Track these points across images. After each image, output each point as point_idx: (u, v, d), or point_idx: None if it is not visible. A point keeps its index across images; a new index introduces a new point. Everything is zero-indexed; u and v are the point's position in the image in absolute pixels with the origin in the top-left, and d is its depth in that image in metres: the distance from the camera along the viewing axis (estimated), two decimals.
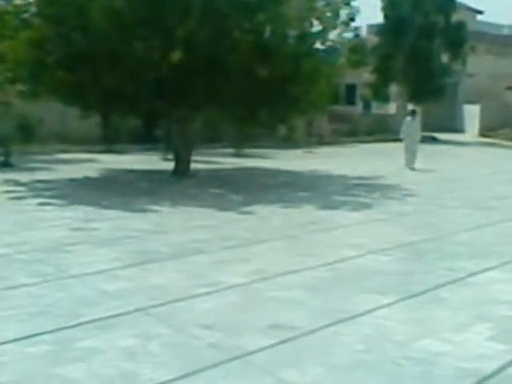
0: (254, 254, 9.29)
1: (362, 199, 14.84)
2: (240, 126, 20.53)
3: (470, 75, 47.03)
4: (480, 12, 53.36)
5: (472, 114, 48.43)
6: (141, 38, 16.11)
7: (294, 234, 10.68)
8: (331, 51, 19.02)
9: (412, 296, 7.46)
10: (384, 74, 40.14)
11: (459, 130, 49.46)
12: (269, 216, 12.40)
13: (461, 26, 41.83)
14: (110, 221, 11.53)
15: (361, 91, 44.02)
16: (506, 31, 61.07)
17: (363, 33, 46.55)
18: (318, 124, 34.43)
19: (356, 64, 28.89)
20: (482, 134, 45.92)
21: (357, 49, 27.96)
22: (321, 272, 8.40)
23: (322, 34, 19.00)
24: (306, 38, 18.39)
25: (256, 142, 27.55)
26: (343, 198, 14.87)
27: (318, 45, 18.95)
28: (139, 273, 8.18)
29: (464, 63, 41.19)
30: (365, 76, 40.79)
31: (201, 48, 16.34)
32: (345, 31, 19.74)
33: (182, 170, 18.65)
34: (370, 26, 47.01)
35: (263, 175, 19.71)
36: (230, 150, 25.48)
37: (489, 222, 12.25)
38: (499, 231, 11.54)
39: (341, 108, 40.66)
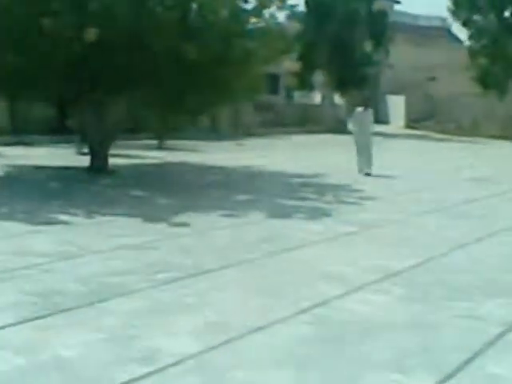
0: (200, 293, 6.46)
1: (315, 204, 12.20)
2: (165, 113, 17.48)
3: (391, 66, 45.13)
4: (397, 2, 51.39)
5: (396, 105, 46.58)
6: (50, 12, 13.16)
7: (246, 259, 7.88)
8: (265, 32, 16.22)
9: (449, 376, 4.81)
10: (308, 63, 37.71)
11: (383, 121, 47.51)
12: (209, 229, 9.57)
13: (382, 14, 39.96)
14: (2, 240, 8.52)
15: (284, 80, 41.46)
16: (422, 22, 59.64)
17: (281, 19, 43.94)
18: (244, 114, 31.66)
19: (282, 51, 26.22)
20: (408, 125, 44.12)
21: (281, 35, 25.41)
22: (298, 327, 5.64)
23: (256, 12, 16.21)
24: (238, 15, 15.61)
25: (180, 131, 24.56)
26: (292, 203, 12.19)
27: (251, 24, 16.17)
28: (34, 336, 5.27)
29: (387, 53, 39.31)
30: (287, 64, 38.10)
31: (119, 25, 13.51)
32: (280, 9, 16.97)
33: (98, 166, 15.66)
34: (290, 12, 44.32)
35: (193, 172, 16.86)
36: (153, 142, 22.40)
37: (477, 236, 9.72)
38: (496, 249, 9.02)
39: (265, 97, 38.04)
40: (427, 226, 10.41)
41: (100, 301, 6.10)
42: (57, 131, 22.57)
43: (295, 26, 35.68)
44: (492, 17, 35.45)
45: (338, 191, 13.86)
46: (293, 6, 27.57)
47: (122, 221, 9.96)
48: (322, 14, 36.18)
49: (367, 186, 14.72)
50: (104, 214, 10.35)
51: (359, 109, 18.18)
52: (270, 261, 7.85)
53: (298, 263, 7.79)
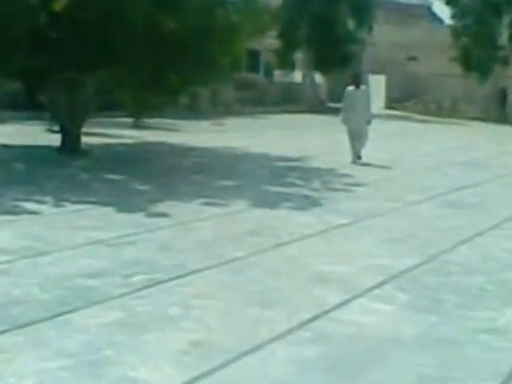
0: (183, 302, 5.57)
1: (302, 191, 11.33)
2: (142, 92, 16.36)
3: (373, 44, 44.16)
4: None
5: (377, 84, 45.68)
6: None
7: (234, 257, 6.99)
8: (250, 3, 15.23)
9: None
10: (289, 40, 36.64)
11: None
12: (191, 221, 8.65)
13: None
14: None
15: (264, 58, 40.37)
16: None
17: None
18: (224, 92, 30.56)
19: (267, 25, 25.19)
20: (389, 106, 43.32)
21: (266, 7, 24.39)
22: (297, 347, 4.79)
23: None
24: None
25: (157, 111, 23.47)
26: (278, 189, 11.32)
27: None
28: None
29: (370, 30, 38.28)
30: (267, 42, 36.96)
31: None
32: None
33: (70, 146, 14.66)
34: None
35: (171, 153, 15.91)
36: (129, 120, 21.30)
37: (482, 227, 8.92)
38: (505, 243, 8.22)
39: (244, 75, 36.95)
40: (425, 216, 9.61)
41: (66, 312, 5.20)
42: (25, 107, 21.26)
43: (275, 1, 34.59)
44: None
45: (326, 176, 13.02)
46: None
47: (94, 210, 9.02)
48: None
49: (355, 170, 13.90)
50: (74, 202, 9.40)
51: (350, 87, 15.54)
52: (259, 259, 6.98)
53: (290, 262, 6.93)
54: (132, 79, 14.68)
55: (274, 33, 33.96)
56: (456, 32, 35.18)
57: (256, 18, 15.05)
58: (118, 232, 7.76)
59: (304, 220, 8.98)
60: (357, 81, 15.69)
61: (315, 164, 14.73)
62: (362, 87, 15.57)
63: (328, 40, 36.36)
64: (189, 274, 6.32)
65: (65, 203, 9.33)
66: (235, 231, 8.16)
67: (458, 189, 12.09)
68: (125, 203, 9.50)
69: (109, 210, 9.04)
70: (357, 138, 15.14)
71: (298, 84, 40.47)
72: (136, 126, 20.89)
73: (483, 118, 34.94)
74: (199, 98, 27.25)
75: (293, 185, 11.87)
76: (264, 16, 15.90)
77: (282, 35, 35.30)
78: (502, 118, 34.83)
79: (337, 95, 43.22)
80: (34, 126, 19.45)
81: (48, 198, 9.56)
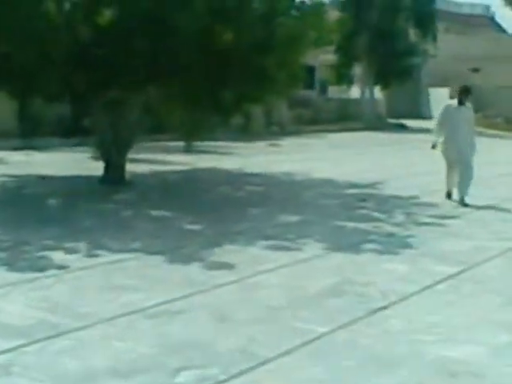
0: None
1: (384, 227, 9.50)
2: (194, 111, 14.67)
3: (433, 56, 42.09)
4: None
5: (440, 98, 43.55)
6: None
7: (315, 333, 5.19)
8: (316, 8, 13.46)
9: None
10: (347, 55, 34.90)
11: (425, 116, 44.59)
12: (253, 273, 6.88)
13: (429, 0, 36.90)
14: None
15: (319, 73, 38.64)
16: (465, 10, 56.39)
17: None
18: (278, 111, 28.88)
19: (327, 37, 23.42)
20: None
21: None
22: None
23: None
24: None
25: (209, 132, 21.87)
26: (354, 225, 9.51)
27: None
28: None
29: (435, 42, 36.22)
30: (322, 57, 35.20)
31: (138, 3, 10.99)
32: None
33: (113, 176, 13.08)
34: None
35: (225, 182, 14.20)
36: (179, 144, 19.66)
37: None
38: None
39: (299, 92, 35.23)
40: None
41: None
42: (71, 133, 19.90)
43: (334, 15, 32.89)
44: None
45: (407, 206, 11.18)
46: None
47: (135, 261, 7.35)
48: (363, 1, 33.24)
49: (439, 197, 11.99)
50: (112, 250, 7.73)
51: (451, 103, 12.04)
52: (351, 336, 5.18)
53: (395, 342, 5.10)
54: (184, 97, 13.09)
55: (329, 47, 32.32)
56: None
57: (321, 25, 13.35)
58: (164, 295, 6.05)
59: (396, 269, 7.18)
60: (464, 96, 11.75)
61: (390, 191, 12.90)
62: (468, 105, 11.79)
63: (388, 53, 34.55)
64: (257, 366, 4.57)
65: (100, 251, 7.67)
66: (312, 289, 6.39)
67: None
68: (173, 250, 7.82)
69: (153, 260, 7.36)
70: (457, 170, 11.66)
71: (355, 100, 38.59)
72: (187, 150, 19.29)
73: None
74: (251, 118, 25.67)
75: (371, 219, 10.06)
76: (328, 24, 14.22)
77: (339, 49, 33.59)
78: None
79: (396, 111, 41.44)
80: (79, 153, 17.94)
81: (81, 245, 7.93)
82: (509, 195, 12.39)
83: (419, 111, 45.02)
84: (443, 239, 8.73)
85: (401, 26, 35.73)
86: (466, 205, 11.18)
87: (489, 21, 57.22)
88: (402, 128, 35.87)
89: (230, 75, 11.86)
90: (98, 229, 8.94)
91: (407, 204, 11.46)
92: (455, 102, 11.80)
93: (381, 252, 7.93)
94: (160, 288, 6.31)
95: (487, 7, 55.92)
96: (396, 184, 13.74)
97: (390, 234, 8.97)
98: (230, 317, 5.56)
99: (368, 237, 8.74)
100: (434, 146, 11.87)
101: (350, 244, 8.29)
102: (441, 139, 11.78)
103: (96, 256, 7.51)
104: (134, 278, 6.66)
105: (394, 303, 6.00)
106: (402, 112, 41.52)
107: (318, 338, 5.12)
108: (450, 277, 6.89)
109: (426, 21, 35.88)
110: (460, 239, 8.71)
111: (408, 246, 8.28)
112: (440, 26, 39.73)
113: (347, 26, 33.61)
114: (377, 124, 35.24)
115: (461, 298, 6.19)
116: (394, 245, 8.28)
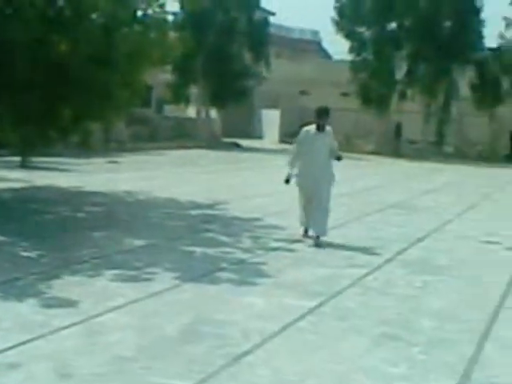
0: None
1: (234, 252, 8.77)
2: (27, 127, 13.31)
3: (266, 79, 42.36)
4: (272, 14, 48.48)
5: (271, 119, 43.90)
6: None
7: None
8: (159, 23, 12.60)
9: None
10: (185, 74, 34.15)
11: (257, 136, 44.79)
12: (100, 312, 5.90)
13: (263, 24, 37.13)
14: None
15: (157, 92, 37.65)
16: (296, 34, 57.28)
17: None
18: (117, 127, 27.63)
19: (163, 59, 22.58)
20: (283, 140, 41.48)
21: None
22: None
23: None
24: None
25: (45, 148, 20.36)
26: (204, 251, 8.72)
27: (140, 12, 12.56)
28: None
29: (268, 65, 36.34)
30: (160, 76, 34.28)
31: None
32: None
33: None
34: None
35: (64, 201, 12.92)
36: (16, 159, 18.05)
37: None
38: None
39: (136, 110, 34.07)
40: (400, 283, 7.27)
41: None
42: None
43: (171, 35, 32.08)
44: (376, 29, 33.20)
45: (253, 230, 10.54)
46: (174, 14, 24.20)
47: None
48: (200, 23, 32.66)
49: (283, 218, 11.48)
50: None
51: (309, 129, 9.83)
52: None
53: None
54: (14, 112, 11.77)
55: (167, 67, 31.45)
56: (355, 66, 33.77)
57: (164, 42, 12.53)
58: None
59: (253, 303, 6.45)
60: (323, 119, 9.67)
61: (233, 212, 12.24)
62: (328, 129, 9.78)
63: (224, 74, 34.28)
64: None
65: None
66: (166, 332, 5.52)
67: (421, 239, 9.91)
68: (4, 284, 6.69)
69: None
70: (311, 203, 9.74)
71: (192, 119, 38.03)
72: (23, 166, 17.78)
73: (378, 153, 33.67)
74: (91, 134, 24.32)
75: (218, 243, 9.31)
76: (171, 41, 13.43)
77: (176, 69, 32.78)
78: (396, 153, 33.69)
79: (231, 130, 41.21)
80: None
81: None
82: (350, 217, 12.05)
83: (252, 131, 45.21)
84: (296, 266, 8.14)
85: (236, 49, 35.58)
86: (319, 245, 9.35)
87: (317, 46, 58.47)
88: (237, 147, 35.69)
89: (69, 91, 10.78)
90: None
91: (252, 227, 10.83)
92: (313, 127, 9.77)
93: (234, 282, 7.18)
94: None
95: (315, 33, 57.03)
96: (238, 205, 13.13)
97: (241, 261, 8.26)
98: (74, 371, 4.60)
99: (219, 264, 7.99)
100: (288, 180, 9.92)
101: (202, 273, 7.49)
102: (295, 171, 9.87)
103: None
104: None
105: (257, 346, 5.26)
106: (236, 132, 41.44)
107: None
108: (310, 311, 6.24)
109: (259, 45, 35.97)
110: (313, 266, 8.14)
111: (261, 274, 7.60)
112: (272, 50, 39.98)
113: (187, 46, 32.92)
114: (213, 143, 34.86)
115: (326, 340, 5.52)
116: (246, 274, 7.57)
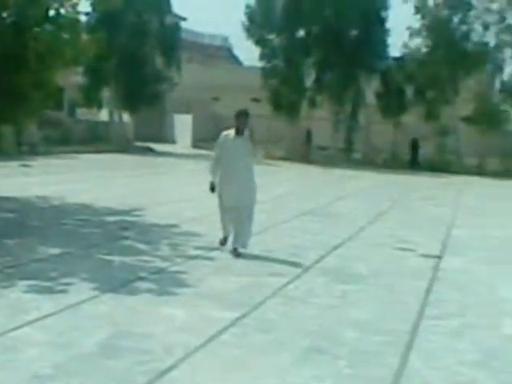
0: None
1: (153, 261, 8.46)
2: None
3: (177, 84, 42.03)
4: (184, 19, 47.98)
5: (184, 124, 43.52)
6: None
7: None
8: (72, 23, 12.14)
9: None
10: (96, 77, 33.36)
11: (169, 140, 44.30)
12: (13, 327, 5.56)
13: (175, 29, 36.78)
14: None
15: (68, 94, 36.65)
16: (206, 40, 56.94)
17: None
18: (28, 130, 26.71)
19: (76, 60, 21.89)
20: (195, 145, 41.23)
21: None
22: None
23: None
24: None
25: None
26: (122, 259, 8.39)
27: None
28: None
29: (179, 70, 35.99)
30: (71, 78, 33.37)
31: None
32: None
33: None
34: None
35: None
36: None
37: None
38: None
39: (48, 113, 33.04)
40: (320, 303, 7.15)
41: None
42: None
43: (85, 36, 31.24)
44: (286, 36, 33.25)
45: (171, 237, 10.26)
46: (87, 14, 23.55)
47: None
48: (112, 25, 31.93)
49: (198, 224, 11.26)
50: None
51: (228, 133, 9.31)
52: None
53: None
54: None
55: (78, 69, 30.60)
56: (265, 73, 33.79)
57: (77, 43, 12.11)
58: None
59: (174, 315, 6.19)
60: (241, 122, 9.06)
61: (150, 218, 11.91)
62: (246, 133, 9.13)
63: (136, 78, 33.75)
64: None
65: None
66: (84, 348, 5.20)
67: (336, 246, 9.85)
68: None
69: None
70: (233, 212, 9.27)
71: (105, 123, 37.27)
72: None
73: (289, 158, 33.81)
74: (2, 137, 23.45)
75: (136, 251, 8.99)
76: (84, 42, 13.00)
77: (88, 71, 32.02)
78: (306, 159, 33.91)
79: (143, 134, 40.56)
80: None
81: None
82: (267, 225, 11.90)
83: (164, 136, 44.73)
84: (216, 275, 7.92)
85: (148, 53, 35.07)
86: (238, 255, 9.02)
87: (227, 52, 58.29)
88: (150, 151, 35.21)
89: None
90: None
91: (169, 233, 10.55)
92: (232, 131, 9.22)
93: (154, 293, 6.91)
94: None
95: (225, 39, 56.80)
96: (154, 211, 12.82)
97: (160, 270, 7.98)
98: None
99: (137, 273, 7.68)
100: (213, 188, 9.38)
101: (120, 283, 7.17)
102: (217, 179, 9.37)
103: None
104: None
105: (181, 361, 5.02)
106: (149, 136, 40.94)
107: None
108: (233, 324, 6.04)
109: (170, 49, 35.61)
110: (233, 275, 7.95)
111: (181, 284, 7.35)
112: (183, 55, 39.58)
113: (100, 47, 32.18)
114: (125, 147, 34.26)
115: (251, 354, 5.32)
116: (166, 283, 7.30)
